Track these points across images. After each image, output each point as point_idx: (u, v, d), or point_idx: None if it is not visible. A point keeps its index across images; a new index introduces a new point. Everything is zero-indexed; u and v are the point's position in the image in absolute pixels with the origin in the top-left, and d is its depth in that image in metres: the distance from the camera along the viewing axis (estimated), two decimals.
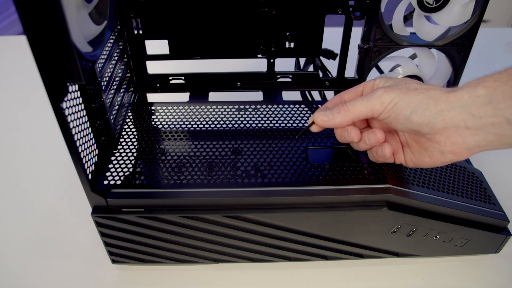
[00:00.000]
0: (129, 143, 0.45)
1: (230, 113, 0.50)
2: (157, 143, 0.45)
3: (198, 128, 0.47)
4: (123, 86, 0.50)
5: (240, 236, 0.41)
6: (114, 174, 0.41)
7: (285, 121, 0.48)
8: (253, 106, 0.51)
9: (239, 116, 0.49)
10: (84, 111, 0.38)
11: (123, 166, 0.42)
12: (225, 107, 0.51)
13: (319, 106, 0.51)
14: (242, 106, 0.51)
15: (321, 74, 0.55)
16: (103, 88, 0.41)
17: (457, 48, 0.49)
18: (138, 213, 0.39)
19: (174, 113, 0.50)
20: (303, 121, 0.48)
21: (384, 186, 0.40)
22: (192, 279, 0.45)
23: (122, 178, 0.40)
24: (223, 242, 0.42)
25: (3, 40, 0.94)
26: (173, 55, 0.52)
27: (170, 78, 0.54)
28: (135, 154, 0.44)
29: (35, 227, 0.50)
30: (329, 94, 0.62)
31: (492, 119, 0.32)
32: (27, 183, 0.56)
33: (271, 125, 0.48)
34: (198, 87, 0.55)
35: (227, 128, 0.47)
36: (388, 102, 0.35)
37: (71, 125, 0.33)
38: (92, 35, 0.35)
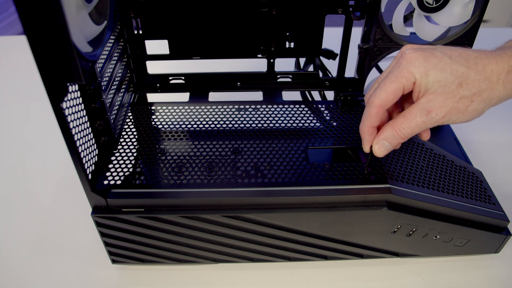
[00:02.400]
0: (129, 143, 0.45)
1: (230, 113, 0.50)
2: (157, 143, 0.45)
3: (198, 128, 0.47)
4: (123, 86, 0.49)
5: (240, 236, 0.41)
6: (114, 174, 0.41)
7: (285, 121, 0.48)
8: (253, 106, 0.51)
9: (239, 116, 0.49)
10: (84, 111, 0.38)
11: (123, 166, 0.42)
12: (225, 107, 0.51)
13: (319, 106, 0.51)
14: (242, 106, 0.51)
15: (321, 74, 0.55)
16: (103, 88, 0.41)
17: None
18: (138, 213, 0.39)
19: (174, 113, 0.50)
20: (303, 121, 0.48)
21: (384, 186, 0.40)
22: (192, 279, 0.45)
23: (122, 178, 0.40)
24: (223, 242, 0.42)
25: (3, 40, 0.94)
26: (173, 55, 0.52)
27: (170, 78, 0.54)
28: (135, 154, 0.44)
29: (35, 227, 0.50)
30: (329, 94, 0.62)
31: None
32: (27, 183, 0.56)
33: (271, 125, 0.48)
34: (198, 87, 0.55)
35: (227, 128, 0.47)
36: (441, 119, 0.35)
37: (71, 125, 0.33)
38: (92, 35, 0.35)
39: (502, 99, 0.35)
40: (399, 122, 0.37)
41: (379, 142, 0.38)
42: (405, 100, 0.40)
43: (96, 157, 0.41)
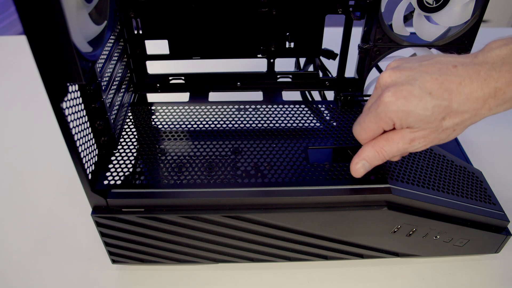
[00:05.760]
0: (129, 143, 0.45)
1: (230, 113, 0.50)
2: (157, 143, 0.45)
3: (198, 128, 0.47)
4: (123, 86, 0.50)
5: (240, 236, 0.41)
6: (114, 174, 0.41)
7: (285, 121, 0.48)
8: (253, 106, 0.51)
9: (239, 116, 0.49)
10: (84, 111, 0.38)
11: (123, 166, 0.42)
12: (225, 107, 0.51)
13: (319, 106, 0.51)
14: (242, 106, 0.51)
15: (321, 74, 0.55)
16: (103, 88, 0.41)
17: (457, 48, 0.49)
18: (138, 213, 0.39)
19: (174, 113, 0.50)
20: (303, 121, 0.48)
21: (384, 186, 0.40)
22: (192, 279, 0.45)
23: (122, 178, 0.40)
24: (223, 242, 0.42)
25: (3, 40, 0.94)
26: (173, 55, 0.52)
27: (170, 78, 0.54)
28: (135, 154, 0.44)
29: (35, 227, 0.50)
30: (329, 94, 0.62)
31: None
32: (27, 183, 0.56)
33: (271, 125, 0.48)
34: (198, 87, 0.55)
35: (227, 128, 0.47)
36: (422, 147, 0.36)
37: (71, 125, 0.33)
38: (92, 35, 0.35)
39: (485, 117, 0.35)
40: (381, 144, 0.37)
41: (360, 162, 0.39)
42: None
43: (96, 157, 0.41)
